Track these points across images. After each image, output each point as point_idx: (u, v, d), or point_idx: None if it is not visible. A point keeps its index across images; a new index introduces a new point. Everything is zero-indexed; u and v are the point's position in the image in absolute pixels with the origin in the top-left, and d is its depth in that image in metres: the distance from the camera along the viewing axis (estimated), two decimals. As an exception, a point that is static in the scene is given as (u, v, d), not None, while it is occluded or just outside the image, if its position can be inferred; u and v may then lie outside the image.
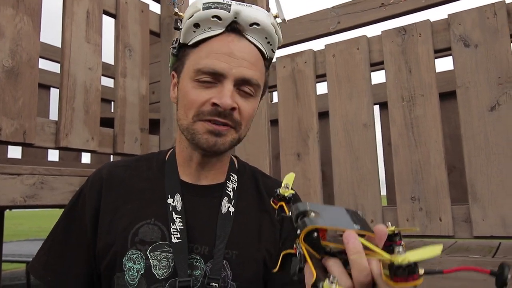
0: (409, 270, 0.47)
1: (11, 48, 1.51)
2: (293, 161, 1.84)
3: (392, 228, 0.58)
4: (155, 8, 2.22)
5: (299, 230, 0.52)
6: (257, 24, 0.92)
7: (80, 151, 1.78)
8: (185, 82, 0.95)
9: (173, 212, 0.95)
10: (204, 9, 0.91)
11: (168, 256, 0.91)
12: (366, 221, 0.58)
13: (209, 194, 1.01)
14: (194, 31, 0.93)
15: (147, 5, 2.12)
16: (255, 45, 0.95)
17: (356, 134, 1.73)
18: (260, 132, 1.95)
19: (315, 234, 0.52)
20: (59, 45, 1.76)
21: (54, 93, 3.10)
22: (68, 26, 1.73)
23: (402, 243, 0.58)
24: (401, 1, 1.73)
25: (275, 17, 0.97)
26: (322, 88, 2.01)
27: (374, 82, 1.82)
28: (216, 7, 0.90)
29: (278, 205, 0.65)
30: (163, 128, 2.17)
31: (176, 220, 0.94)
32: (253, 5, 0.93)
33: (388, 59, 1.71)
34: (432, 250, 0.47)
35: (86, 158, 3.31)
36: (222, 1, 0.91)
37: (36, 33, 1.63)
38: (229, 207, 0.98)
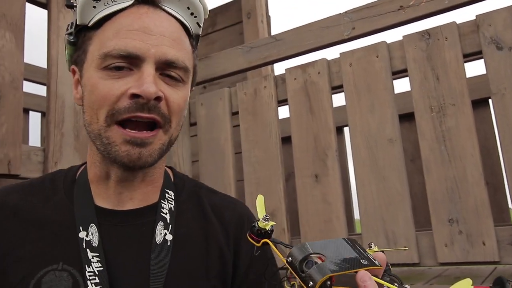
0: None
1: (-9, 68, 1.34)
2: (310, 184, 1.65)
3: (376, 249, 0.58)
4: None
5: (311, 282, 0.50)
6: None
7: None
8: (90, 73, 0.73)
9: (88, 250, 0.72)
10: None
11: None
12: (365, 249, 0.56)
13: (137, 220, 0.78)
14: (94, 7, 0.72)
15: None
16: (175, 17, 0.76)
17: (381, 150, 1.55)
18: (271, 152, 1.77)
19: (329, 282, 0.50)
20: (38, 64, 1.59)
21: (34, 117, 2.91)
22: (54, 43, 1.56)
23: (389, 265, 0.58)
24: (422, 3, 1.58)
25: None
26: (336, 101, 1.84)
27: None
28: None
29: (261, 242, 0.56)
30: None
31: (92, 260, 0.71)
32: None
33: (412, 67, 1.55)
34: (464, 285, 0.45)
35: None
36: None
37: (19, 52, 1.47)
38: (165, 234, 0.77)
